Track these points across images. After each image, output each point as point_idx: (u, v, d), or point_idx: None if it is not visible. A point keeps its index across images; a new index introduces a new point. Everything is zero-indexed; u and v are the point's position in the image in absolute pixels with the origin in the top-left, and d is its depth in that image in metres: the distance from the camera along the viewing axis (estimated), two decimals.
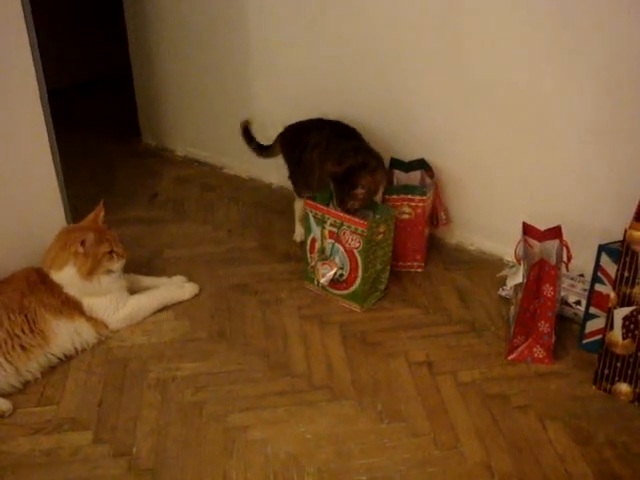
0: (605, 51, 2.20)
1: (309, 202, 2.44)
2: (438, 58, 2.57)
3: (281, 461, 1.82)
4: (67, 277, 2.21)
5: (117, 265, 2.28)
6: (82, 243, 2.18)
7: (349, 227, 2.33)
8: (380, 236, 2.36)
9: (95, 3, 4.55)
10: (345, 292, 2.44)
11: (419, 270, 2.65)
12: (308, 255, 2.51)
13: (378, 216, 2.37)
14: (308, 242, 2.49)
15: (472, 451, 1.85)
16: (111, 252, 2.25)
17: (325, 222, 2.39)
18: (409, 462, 1.81)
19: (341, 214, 2.35)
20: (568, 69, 2.30)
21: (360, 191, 2.35)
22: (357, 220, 2.31)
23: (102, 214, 2.32)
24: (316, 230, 2.43)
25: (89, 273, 2.21)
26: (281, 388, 2.07)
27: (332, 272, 2.41)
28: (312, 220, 2.43)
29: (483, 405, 2.00)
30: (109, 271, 2.27)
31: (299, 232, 2.79)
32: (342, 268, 2.41)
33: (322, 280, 2.43)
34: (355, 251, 2.35)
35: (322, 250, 2.44)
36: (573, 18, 2.22)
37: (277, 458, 1.83)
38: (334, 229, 2.37)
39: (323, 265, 2.43)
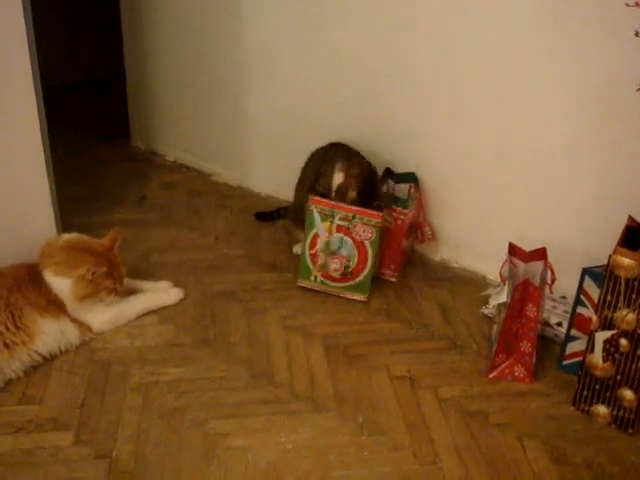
0: (592, 79, 2.24)
1: (316, 199, 2.48)
2: (430, 76, 2.59)
3: (261, 470, 1.82)
4: (60, 284, 2.21)
5: (111, 299, 2.29)
6: (93, 272, 2.20)
7: (361, 219, 2.42)
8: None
9: (91, 4, 4.55)
10: (350, 283, 2.52)
11: (393, 280, 2.67)
12: (307, 251, 2.53)
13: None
14: (309, 238, 2.52)
15: (451, 467, 1.86)
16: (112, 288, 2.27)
17: (334, 217, 2.45)
18: (389, 475, 1.83)
19: (353, 207, 2.43)
20: (558, 94, 2.34)
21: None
22: (371, 212, 2.43)
23: (119, 242, 2.34)
24: (320, 226, 2.47)
25: (83, 299, 2.22)
26: (263, 397, 2.08)
27: (343, 265, 2.48)
28: (317, 216, 2.48)
29: (463, 421, 2.02)
30: (100, 300, 2.28)
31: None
32: (349, 260, 2.48)
33: (335, 274, 2.50)
34: (366, 242, 2.44)
35: (326, 244, 2.49)
36: (561, 47, 2.27)
37: (257, 467, 1.83)
38: (344, 223, 2.44)
39: (333, 259, 2.49)
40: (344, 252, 2.48)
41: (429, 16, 2.52)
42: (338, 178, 2.52)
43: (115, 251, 2.33)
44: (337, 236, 2.47)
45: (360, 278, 2.50)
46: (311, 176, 2.64)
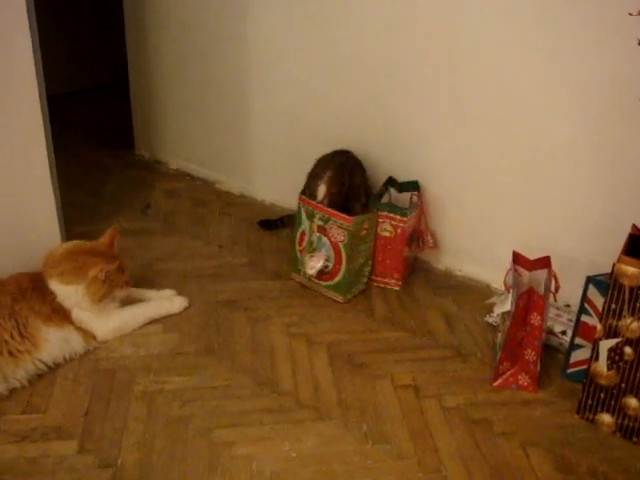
0: (592, 79, 2.24)
1: (302, 197, 2.60)
2: (430, 76, 2.60)
3: (266, 478, 1.82)
4: (70, 293, 2.21)
5: (124, 293, 2.33)
6: (106, 271, 2.22)
7: (335, 222, 2.49)
8: (364, 232, 2.55)
9: (95, 10, 4.57)
10: (329, 283, 2.58)
11: (396, 288, 2.69)
12: (297, 247, 2.64)
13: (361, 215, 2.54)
14: (297, 235, 2.64)
15: (455, 475, 1.86)
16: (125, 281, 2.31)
17: (314, 216, 2.53)
18: None
19: (329, 210, 2.52)
20: (558, 94, 2.34)
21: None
22: (343, 215, 2.49)
23: (117, 239, 2.37)
24: (306, 224, 2.58)
25: (100, 299, 2.24)
26: (267, 405, 2.08)
27: (320, 263, 2.54)
28: (303, 214, 2.59)
29: (467, 430, 2.02)
30: (114, 297, 2.31)
31: None
32: (328, 260, 2.54)
33: (311, 271, 2.56)
34: (340, 244, 2.50)
35: (310, 243, 2.57)
36: (561, 47, 2.27)
37: (262, 475, 1.83)
38: (322, 223, 2.52)
39: (312, 257, 2.56)
40: (324, 252, 2.54)
41: (429, 16, 2.53)
42: (322, 190, 2.61)
43: (115, 247, 2.36)
44: (316, 235, 2.55)
45: (338, 279, 2.55)
46: (314, 179, 2.69)
